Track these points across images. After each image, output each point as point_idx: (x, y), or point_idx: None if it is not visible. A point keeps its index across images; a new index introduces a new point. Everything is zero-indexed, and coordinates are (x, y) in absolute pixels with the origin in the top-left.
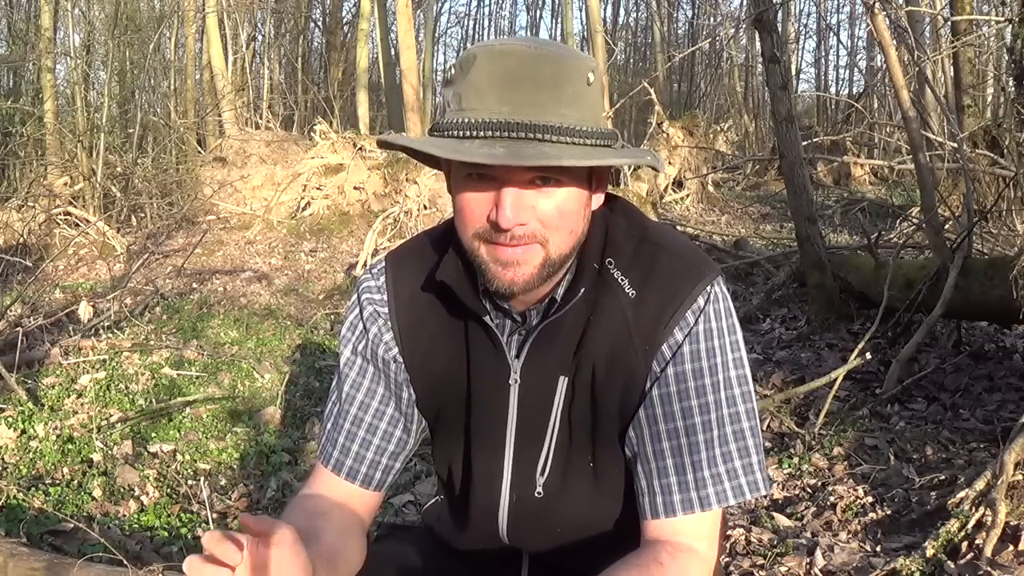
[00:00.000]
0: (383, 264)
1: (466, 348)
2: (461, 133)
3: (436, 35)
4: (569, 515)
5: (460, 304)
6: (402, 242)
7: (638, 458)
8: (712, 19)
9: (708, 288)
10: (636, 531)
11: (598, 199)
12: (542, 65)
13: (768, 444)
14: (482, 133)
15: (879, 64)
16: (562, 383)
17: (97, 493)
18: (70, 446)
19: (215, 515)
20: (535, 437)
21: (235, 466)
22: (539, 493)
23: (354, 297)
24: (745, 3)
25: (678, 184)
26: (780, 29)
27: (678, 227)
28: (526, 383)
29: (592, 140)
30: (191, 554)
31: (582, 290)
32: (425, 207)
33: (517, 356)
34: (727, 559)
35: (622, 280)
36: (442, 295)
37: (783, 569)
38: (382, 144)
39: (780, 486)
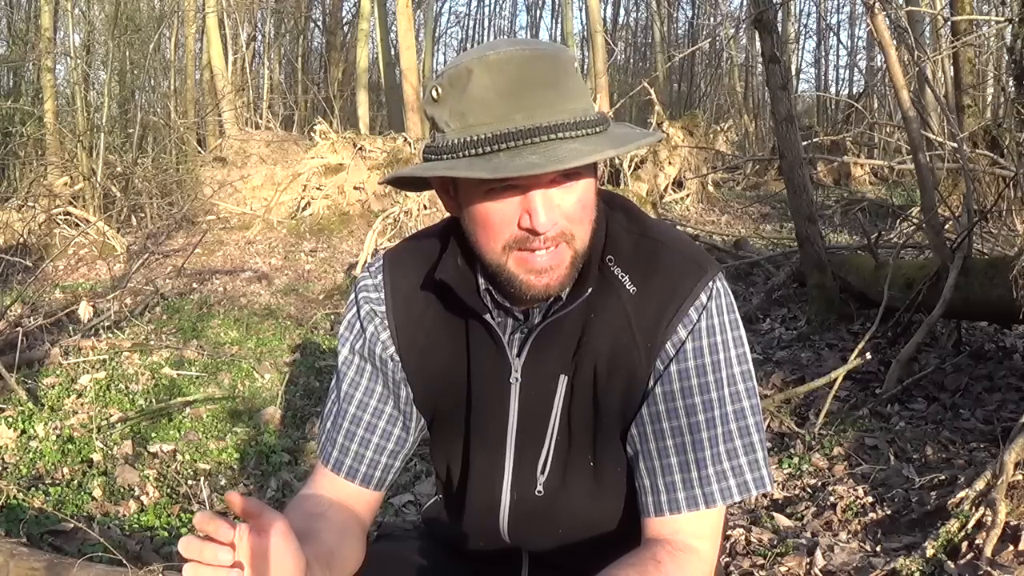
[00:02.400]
0: (381, 263)
1: (466, 346)
2: (479, 150)
3: (436, 35)
4: (570, 514)
5: (459, 302)
6: (400, 241)
7: (640, 456)
8: (712, 19)
9: (710, 284)
10: (638, 530)
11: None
12: (541, 65)
13: (768, 444)
14: (504, 145)
15: (879, 64)
16: (562, 382)
17: (97, 493)
18: (70, 446)
19: None
20: (536, 436)
21: (235, 466)
22: (540, 492)
23: (352, 296)
24: (745, 3)
25: (678, 184)
26: (780, 29)
27: (678, 227)
28: (527, 382)
29: (600, 127)
30: (185, 536)
31: (589, 290)
32: (425, 207)
33: (518, 355)
34: (727, 559)
35: (623, 277)
36: (441, 293)
37: (783, 569)
38: (395, 182)
39: (780, 486)
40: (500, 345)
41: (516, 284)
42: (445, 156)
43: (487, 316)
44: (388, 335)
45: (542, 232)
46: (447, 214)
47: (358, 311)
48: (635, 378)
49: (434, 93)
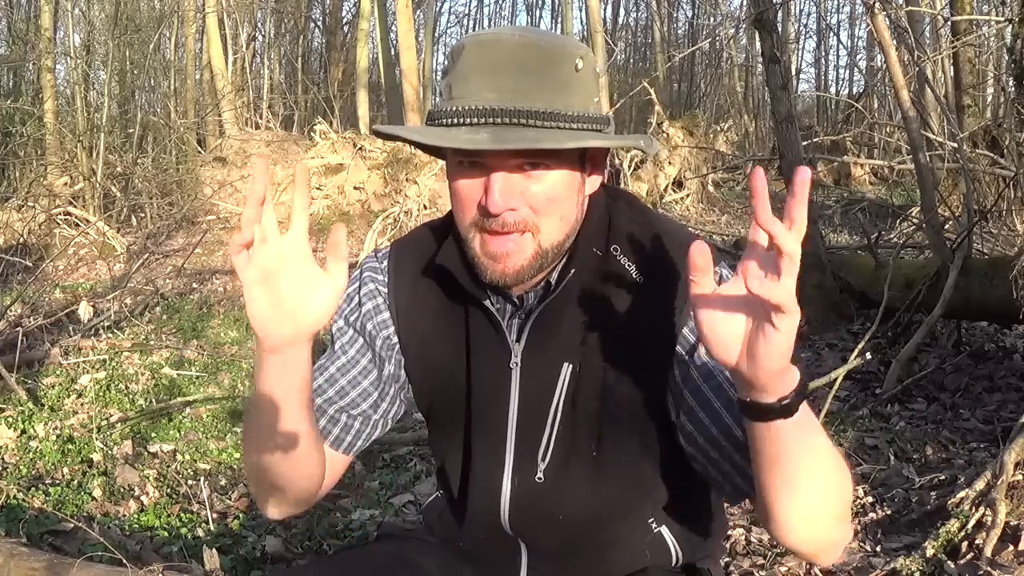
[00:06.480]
0: (387, 250)
1: (466, 333)
2: (449, 121)
3: (436, 35)
4: (570, 502)
5: (460, 289)
6: (408, 232)
7: (709, 444)
8: (712, 19)
9: (717, 268)
10: (640, 525)
11: (592, 183)
12: (528, 52)
13: None
14: (469, 120)
15: (879, 64)
16: (566, 369)
17: (97, 493)
18: (70, 446)
19: (215, 515)
20: (537, 422)
21: (235, 466)
22: (540, 478)
23: (356, 273)
24: (745, 3)
25: (678, 184)
26: (780, 29)
27: None
28: (527, 367)
29: (578, 124)
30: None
31: (573, 271)
32: (425, 207)
33: (517, 340)
34: (727, 559)
35: (629, 266)
36: (442, 281)
37: (783, 569)
38: (376, 133)
39: None
40: (500, 330)
41: (477, 264)
42: (429, 123)
43: (486, 302)
44: (388, 316)
45: (494, 213)
46: (447, 213)
47: (359, 287)
48: (650, 367)
49: (443, 65)
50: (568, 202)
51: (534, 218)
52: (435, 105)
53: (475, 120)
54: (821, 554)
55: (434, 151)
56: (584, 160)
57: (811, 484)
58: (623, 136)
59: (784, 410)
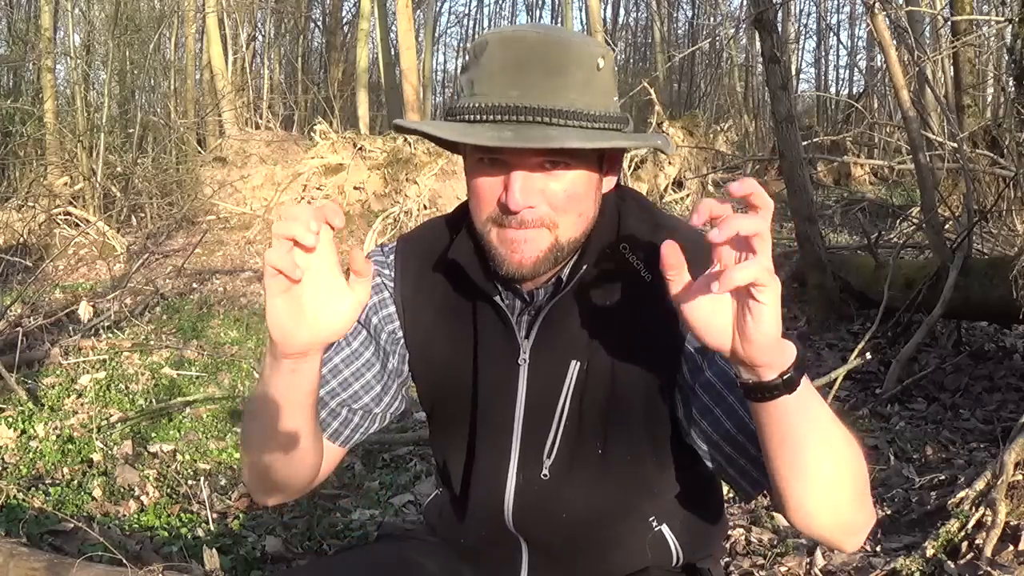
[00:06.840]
0: (393, 244)
1: (473, 329)
2: (472, 117)
3: (436, 35)
4: (574, 500)
5: (469, 284)
6: (413, 228)
7: (723, 440)
8: (712, 19)
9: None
10: (641, 524)
11: (609, 183)
12: (551, 51)
13: None
14: (491, 117)
15: (879, 64)
16: (574, 367)
17: (97, 493)
18: (70, 446)
19: (215, 515)
20: (543, 419)
21: (235, 466)
22: (545, 475)
23: None
24: (745, 3)
25: (678, 184)
26: (780, 29)
27: None
28: (535, 364)
29: (600, 124)
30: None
31: (584, 267)
32: (425, 207)
33: (526, 336)
34: (727, 559)
35: (638, 264)
36: (450, 276)
37: (783, 569)
38: (397, 128)
39: None
40: (509, 326)
41: (494, 257)
42: (449, 118)
43: (496, 298)
44: (395, 310)
45: (514, 211)
46: (449, 212)
47: None
48: (657, 366)
49: (464, 60)
50: (587, 200)
51: (553, 215)
52: (455, 100)
53: (498, 117)
54: (843, 539)
55: (449, 146)
56: (602, 159)
57: (822, 461)
58: (643, 135)
59: (787, 384)
